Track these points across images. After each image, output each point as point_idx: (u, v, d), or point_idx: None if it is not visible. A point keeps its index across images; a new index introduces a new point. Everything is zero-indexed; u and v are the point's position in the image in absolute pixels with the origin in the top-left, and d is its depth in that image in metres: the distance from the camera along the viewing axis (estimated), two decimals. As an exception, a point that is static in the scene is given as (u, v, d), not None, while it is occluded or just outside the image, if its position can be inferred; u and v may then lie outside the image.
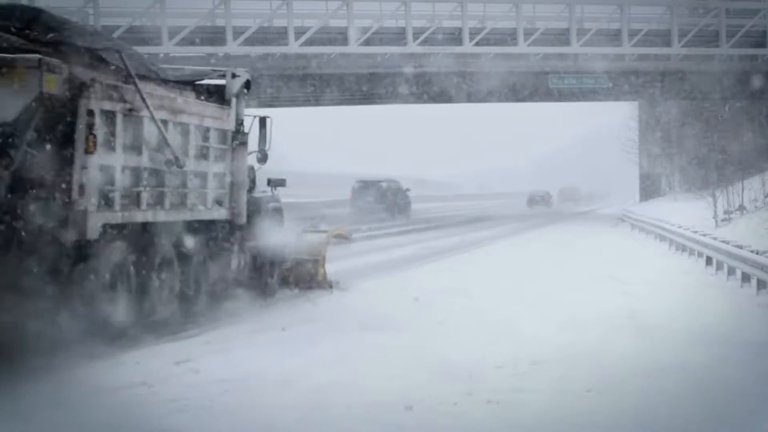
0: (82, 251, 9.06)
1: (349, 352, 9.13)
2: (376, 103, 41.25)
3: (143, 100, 9.72)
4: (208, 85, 12.03)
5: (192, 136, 11.05)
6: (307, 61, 38.56)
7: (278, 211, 14.13)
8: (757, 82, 41.57)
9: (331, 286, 14.62)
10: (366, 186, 42.81)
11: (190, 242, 11.17)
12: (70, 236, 8.87)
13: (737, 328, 11.05)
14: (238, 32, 36.91)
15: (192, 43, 37.08)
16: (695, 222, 24.87)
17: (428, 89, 42.24)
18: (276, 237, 13.54)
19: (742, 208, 27.02)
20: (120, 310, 9.54)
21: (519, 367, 8.43)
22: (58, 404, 7.22)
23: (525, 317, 11.35)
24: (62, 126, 8.91)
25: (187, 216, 11.08)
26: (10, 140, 8.49)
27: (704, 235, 19.67)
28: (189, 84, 11.76)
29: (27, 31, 9.38)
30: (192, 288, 11.26)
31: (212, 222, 11.77)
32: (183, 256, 11.04)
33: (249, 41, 37.41)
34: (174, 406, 7.13)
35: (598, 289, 14.53)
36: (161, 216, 10.45)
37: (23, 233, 8.57)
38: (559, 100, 46.96)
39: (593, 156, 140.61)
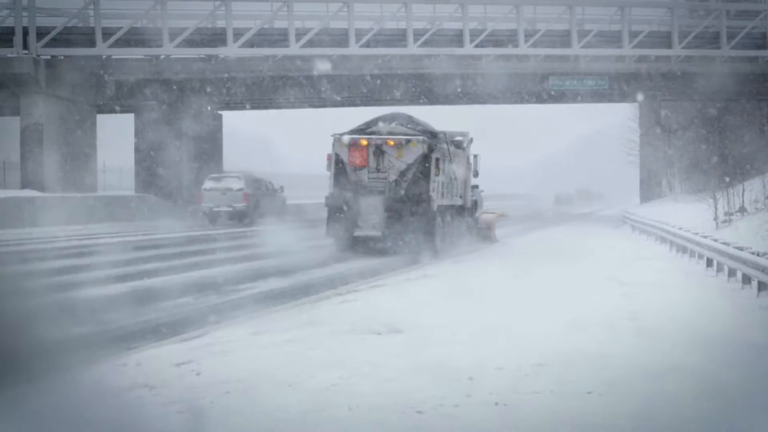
0: (432, 216, 22.31)
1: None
2: (376, 104, 41.25)
3: (448, 152, 23.69)
4: (456, 140, 25.40)
5: (455, 164, 24.50)
6: (308, 63, 38.53)
7: (478, 201, 28.03)
8: (757, 83, 41.61)
9: (498, 241, 27.45)
10: None
11: (455, 214, 24.71)
12: (429, 210, 22.20)
13: (738, 330, 11.06)
14: (238, 34, 36.88)
15: (192, 44, 37.08)
16: (696, 223, 24.86)
17: (429, 91, 42.24)
18: (475, 215, 27.50)
19: (742, 209, 26.99)
20: (440, 237, 22.78)
21: (520, 369, 8.44)
22: (59, 406, 7.23)
23: (525, 317, 11.36)
24: (425, 165, 22.31)
25: (452, 202, 24.52)
26: (410, 172, 22.31)
27: (705, 236, 19.65)
28: (453, 141, 24.86)
29: (409, 125, 23.47)
30: (453, 234, 24.34)
31: (456, 206, 25.08)
32: (453, 219, 24.24)
33: (249, 43, 37.36)
34: (175, 408, 7.15)
35: (598, 289, 14.54)
36: (447, 202, 23.82)
37: (412, 209, 22.08)
38: (559, 101, 47.00)
39: (594, 157, 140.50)
